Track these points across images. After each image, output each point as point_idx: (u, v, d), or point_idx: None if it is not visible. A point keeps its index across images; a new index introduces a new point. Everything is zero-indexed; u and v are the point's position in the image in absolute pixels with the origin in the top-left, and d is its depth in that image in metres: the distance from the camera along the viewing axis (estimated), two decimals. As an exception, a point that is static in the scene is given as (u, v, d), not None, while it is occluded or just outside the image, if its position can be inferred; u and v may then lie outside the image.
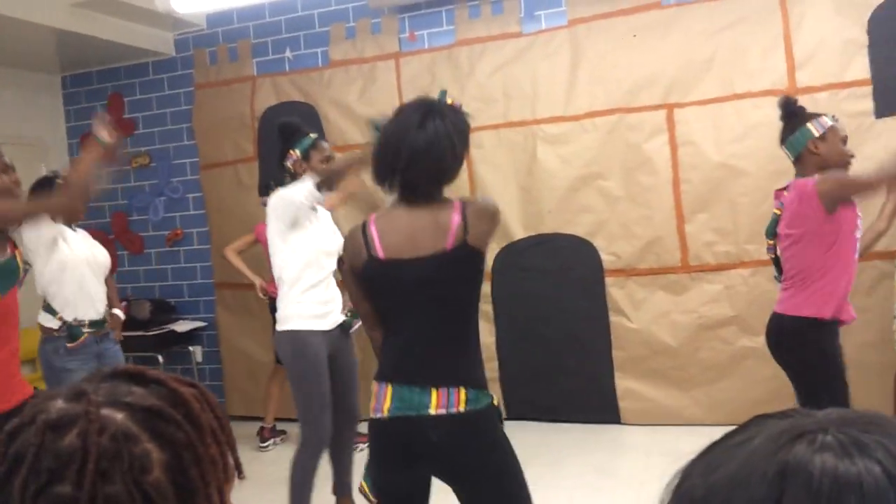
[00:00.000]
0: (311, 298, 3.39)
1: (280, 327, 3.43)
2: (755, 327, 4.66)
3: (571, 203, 5.03)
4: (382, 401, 2.08)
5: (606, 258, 4.99)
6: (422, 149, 2.06)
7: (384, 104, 5.40)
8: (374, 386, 2.12)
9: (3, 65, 5.92)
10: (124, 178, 6.31)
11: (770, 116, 4.59)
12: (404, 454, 2.09)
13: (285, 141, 3.49)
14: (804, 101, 4.54)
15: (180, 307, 6.17)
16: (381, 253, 2.09)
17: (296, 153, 3.45)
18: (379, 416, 2.08)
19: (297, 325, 3.38)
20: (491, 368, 5.21)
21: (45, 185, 3.86)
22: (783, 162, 4.56)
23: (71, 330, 3.63)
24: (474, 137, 5.26)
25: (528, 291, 5.13)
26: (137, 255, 6.30)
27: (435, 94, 5.43)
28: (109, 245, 6.34)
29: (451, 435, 2.03)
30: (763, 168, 4.64)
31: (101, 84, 6.34)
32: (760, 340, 4.60)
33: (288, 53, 5.72)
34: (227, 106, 5.85)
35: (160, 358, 5.76)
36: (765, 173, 4.64)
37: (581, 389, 5.03)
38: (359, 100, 5.48)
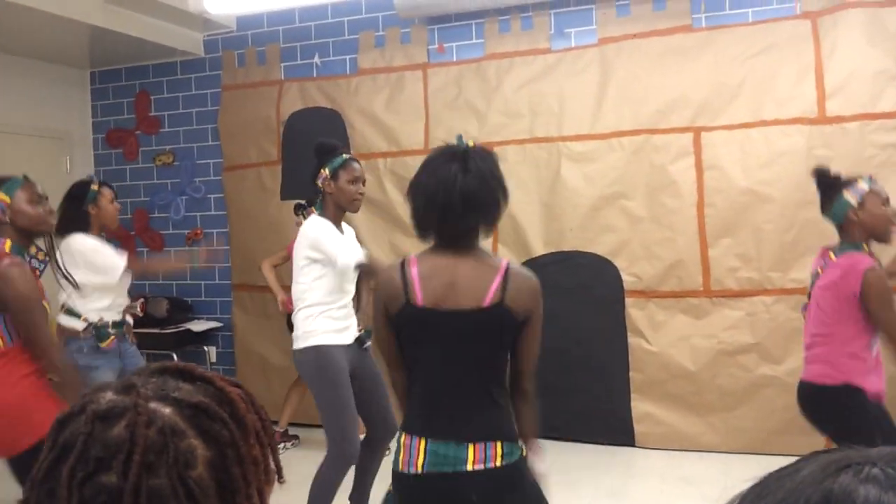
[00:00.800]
0: (330, 314, 3.40)
1: (300, 345, 3.42)
2: (776, 356, 4.64)
3: (594, 222, 5.01)
4: (416, 455, 2.04)
5: (627, 279, 4.97)
6: (474, 191, 2.05)
7: (410, 113, 5.43)
8: (405, 438, 2.09)
9: (35, 58, 5.97)
10: (147, 175, 6.34)
11: (798, 144, 4.60)
12: None
13: (319, 159, 3.48)
14: (833, 130, 4.56)
15: (197, 306, 6.18)
16: (420, 300, 2.06)
17: (325, 172, 3.44)
18: (412, 471, 2.05)
19: (318, 340, 3.37)
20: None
21: (79, 192, 3.98)
22: (810, 190, 4.52)
23: (98, 331, 3.79)
24: (499, 152, 5.27)
25: (547, 309, 5.06)
26: (157, 253, 6.32)
27: (460, 107, 5.47)
28: (130, 241, 6.39)
29: (489, 490, 2.02)
30: (789, 196, 4.61)
31: (129, 81, 6.38)
32: (780, 369, 4.61)
33: (316, 59, 5.74)
34: (252, 109, 5.88)
35: (174, 356, 5.77)
36: (791, 201, 4.62)
37: (596, 410, 5.00)
38: (385, 108, 5.48)
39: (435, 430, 2.04)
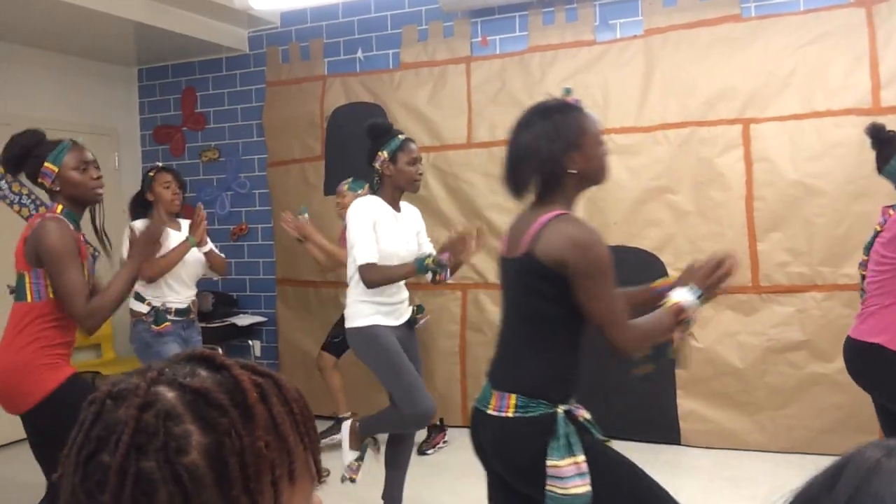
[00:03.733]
0: (379, 298, 3.39)
1: (349, 324, 3.44)
2: (827, 353, 4.52)
3: (639, 216, 4.93)
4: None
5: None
6: (521, 144, 2.10)
7: (453, 108, 5.40)
8: None
9: (84, 56, 6.07)
10: (193, 171, 6.41)
11: (851, 136, 4.47)
12: (474, 443, 2.18)
13: (374, 142, 3.44)
14: (888, 121, 4.39)
15: (242, 301, 6.24)
16: (500, 249, 2.25)
17: (383, 154, 3.39)
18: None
19: (366, 321, 3.38)
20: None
21: (142, 179, 4.22)
22: (862, 183, 4.44)
23: (157, 314, 4.00)
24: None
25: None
26: (202, 248, 6.39)
27: (504, 101, 5.42)
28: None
29: (496, 437, 2.06)
30: (841, 188, 4.49)
31: (175, 78, 6.46)
32: (832, 367, 4.49)
33: (359, 54, 5.74)
34: (296, 104, 5.90)
35: (220, 350, 5.83)
36: (842, 194, 4.50)
37: (641, 408, 4.93)
38: (428, 103, 5.47)
39: (489, 370, 2.19)
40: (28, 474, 4.93)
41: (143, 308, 4.04)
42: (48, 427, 2.76)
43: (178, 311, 4.10)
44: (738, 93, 4.73)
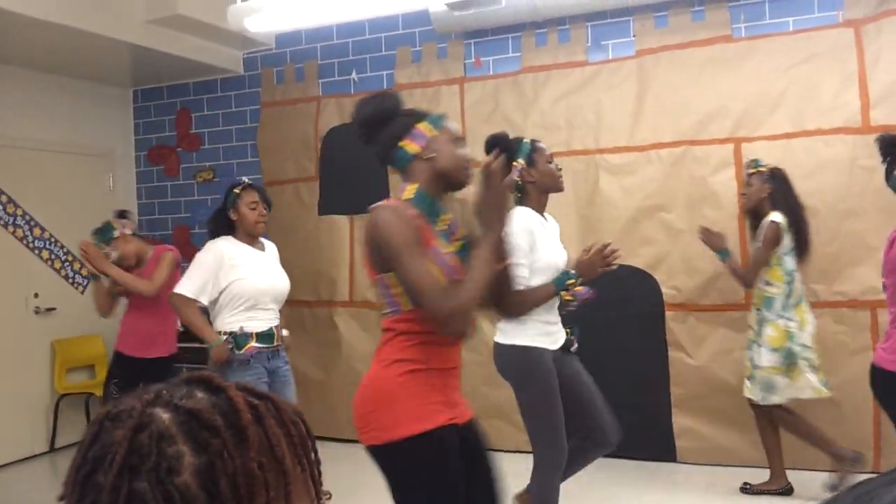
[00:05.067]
0: (544, 317, 3.17)
1: (505, 340, 3.19)
2: (820, 370, 4.52)
3: (632, 234, 4.96)
4: None
5: (667, 292, 4.91)
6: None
7: (447, 128, 5.42)
8: None
9: (79, 77, 6.10)
10: (188, 191, 6.42)
11: (842, 154, 4.52)
12: None
13: (506, 153, 3.29)
14: (879, 140, 4.45)
15: (236, 321, 6.23)
16: None
17: (520, 163, 3.21)
18: None
19: (530, 341, 3.14)
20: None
21: (225, 195, 3.85)
22: (853, 201, 4.48)
23: (236, 339, 3.59)
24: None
25: (585, 322, 5.05)
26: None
27: (497, 121, 5.46)
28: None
29: None
30: (832, 207, 4.53)
31: (170, 99, 6.49)
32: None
33: (354, 75, 5.78)
34: (291, 125, 5.93)
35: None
36: (833, 212, 4.54)
37: (637, 425, 4.91)
38: (422, 123, 5.49)
39: None
40: (33, 493, 4.85)
41: (220, 338, 3.62)
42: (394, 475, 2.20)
43: (260, 337, 3.65)
44: (729, 112, 4.77)
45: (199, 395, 0.75)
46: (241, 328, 3.60)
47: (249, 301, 3.64)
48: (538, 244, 3.14)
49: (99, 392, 5.58)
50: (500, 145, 3.18)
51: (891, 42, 4.46)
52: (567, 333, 3.31)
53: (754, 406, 4.26)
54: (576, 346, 3.38)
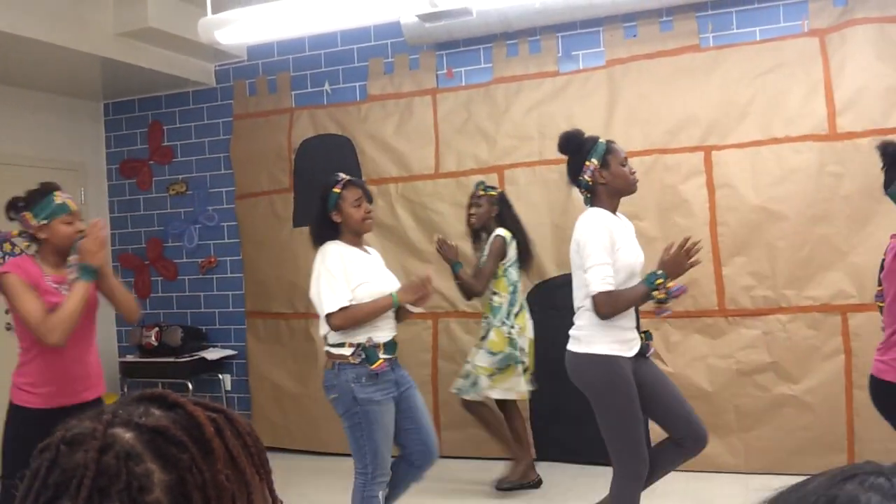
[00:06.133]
0: (619, 323, 3.08)
1: (580, 349, 3.13)
2: (793, 374, 4.60)
3: (606, 242, 4.99)
4: None
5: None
6: None
7: (420, 139, 5.45)
8: None
9: (48, 91, 6.05)
10: (161, 204, 6.39)
11: (810, 161, 4.59)
12: None
13: (575, 155, 3.20)
14: (845, 146, 4.55)
15: (211, 335, 6.20)
16: None
17: (593, 163, 3.14)
18: None
19: (606, 349, 3.07)
20: (521, 408, 5.16)
21: (323, 195, 3.46)
22: (822, 206, 4.55)
23: (367, 352, 3.28)
24: (509, 175, 5.28)
25: (560, 330, 5.07)
26: (171, 282, 6.35)
27: (470, 131, 5.50)
28: (144, 270, 6.42)
29: None
30: (801, 213, 4.60)
31: (142, 112, 6.45)
32: (798, 388, 4.57)
33: (326, 87, 5.78)
34: (264, 137, 5.92)
35: (189, 385, 5.78)
36: (803, 218, 4.60)
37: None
38: (395, 134, 5.51)
39: None
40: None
41: (346, 350, 3.29)
42: None
43: (387, 347, 3.36)
44: (699, 121, 4.83)
45: (156, 412, 0.75)
46: (370, 339, 3.29)
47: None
48: (617, 244, 3.06)
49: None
50: (569, 148, 3.21)
51: (855, 50, 4.54)
52: (642, 339, 3.23)
53: (465, 404, 4.68)
54: (653, 350, 3.31)
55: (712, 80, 4.81)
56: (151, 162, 6.44)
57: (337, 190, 3.40)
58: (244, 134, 6.02)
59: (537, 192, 5.14)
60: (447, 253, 4.56)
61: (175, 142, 6.35)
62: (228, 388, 6.16)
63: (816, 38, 4.64)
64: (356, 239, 3.46)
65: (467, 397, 4.61)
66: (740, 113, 4.75)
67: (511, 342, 4.50)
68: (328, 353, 3.37)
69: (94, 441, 0.70)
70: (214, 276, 6.22)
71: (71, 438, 0.72)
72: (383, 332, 3.36)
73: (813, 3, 4.67)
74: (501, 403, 4.69)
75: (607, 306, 2.99)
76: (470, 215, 4.66)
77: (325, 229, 3.43)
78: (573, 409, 5.05)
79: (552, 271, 5.11)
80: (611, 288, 2.99)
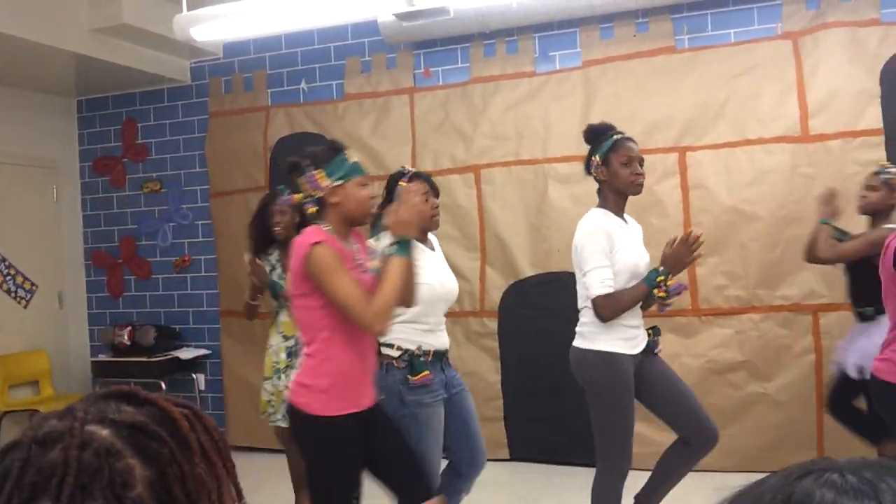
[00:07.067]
0: (623, 322, 3.06)
1: (583, 345, 3.12)
2: (765, 373, 4.65)
3: (581, 242, 5.02)
4: None
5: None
6: None
7: (397, 138, 5.45)
8: None
9: (22, 87, 5.98)
10: (134, 202, 6.33)
11: (783, 163, 4.64)
12: None
13: (592, 146, 3.15)
14: (816, 148, 4.61)
15: (185, 334, 6.15)
16: None
17: (596, 158, 3.09)
18: None
19: (608, 346, 3.05)
20: (496, 407, 5.17)
21: (389, 187, 3.29)
22: (793, 208, 4.60)
23: (412, 361, 3.06)
24: (486, 174, 5.30)
25: (535, 330, 5.10)
26: (144, 281, 6.30)
27: (447, 130, 5.50)
28: (117, 269, 6.37)
29: None
30: (774, 214, 4.65)
31: (116, 109, 6.39)
32: (770, 386, 4.62)
33: (303, 85, 5.77)
34: (240, 135, 5.89)
35: (163, 384, 5.74)
36: (775, 219, 4.65)
37: (587, 431, 4.95)
38: (372, 133, 5.51)
39: None
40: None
41: (393, 352, 3.09)
42: None
43: (437, 355, 3.15)
44: (674, 122, 4.87)
45: (129, 408, 0.75)
46: (420, 347, 3.08)
47: (425, 308, 3.07)
48: (616, 245, 3.02)
49: (44, 408, 5.46)
50: (588, 138, 3.17)
51: (827, 53, 4.61)
52: (649, 335, 3.19)
53: (283, 434, 3.93)
54: (660, 347, 3.27)
55: (687, 81, 4.86)
56: (125, 159, 6.38)
57: (403, 183, 3.18)
58: (219, 132, 5.99)
59: (513, 192, 5.15)
60: (260, 274, 3.95)
61: (149, 139, 6.30)
62: (202, 387, 6.12)
63: (790, 41, 4.70)
64: (422, 234, 3.20)
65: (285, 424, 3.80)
66: (715, 114, 4.80)
67: None
68: (378, 351, 3.09)
69: (72, 439, 0.69)
70: (188, 275, 6.18)
71: (43, 437, 0.71)
72: (434, 336, 3.12)
73: (787, 7, 4.73)
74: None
75: (607, 309, 2.98)
76: (277, 223, 3.98)
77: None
78: (548, 408, 5.08)
79: (527, 271, 5.13)
80: (610, 290, 2.97)
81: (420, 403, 3.05)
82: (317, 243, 2.44)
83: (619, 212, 3.16)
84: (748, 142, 4.74)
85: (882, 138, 4.53)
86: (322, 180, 2.56)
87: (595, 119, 4.95)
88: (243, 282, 5.79)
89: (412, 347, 3.07)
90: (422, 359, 3.06)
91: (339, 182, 2.56)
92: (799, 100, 4.66)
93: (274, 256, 4.09)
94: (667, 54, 4.92)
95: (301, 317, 2.60)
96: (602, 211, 3.13)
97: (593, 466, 4.87)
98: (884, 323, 3.47)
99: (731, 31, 4.85)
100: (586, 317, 3.13)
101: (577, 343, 3.18)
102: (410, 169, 3.33)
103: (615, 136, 3.12)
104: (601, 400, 3.10)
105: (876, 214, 3.84)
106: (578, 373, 3.19)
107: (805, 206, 4.59)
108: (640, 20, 5.00)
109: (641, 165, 3.12)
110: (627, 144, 3.10)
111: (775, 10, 4.77)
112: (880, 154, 4.51)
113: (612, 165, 3.07)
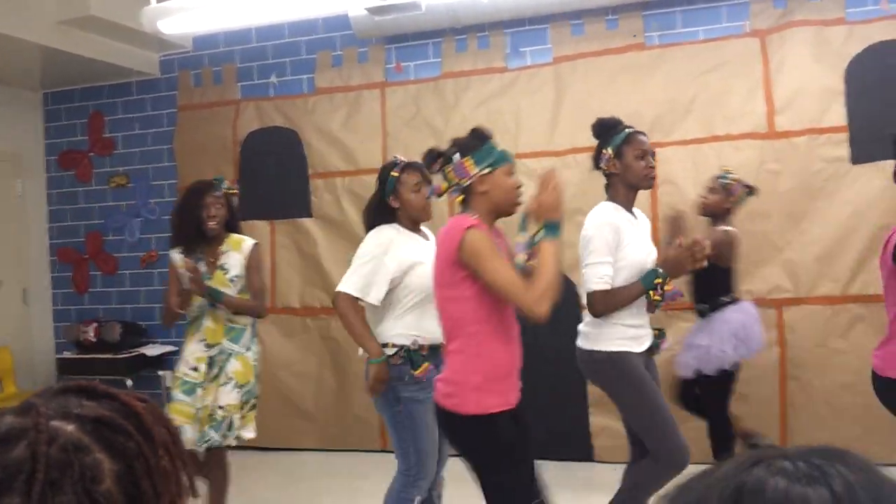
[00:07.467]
0: (629, 321, 3.04)
1: (589, 345, 3.10)
2: (731, 367, 4.68)
3: (551, 238, 5.04)
4: None
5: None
6: None
7: (368, 132, 5.43)
8: None
9: (-16, 79, 5.88)
10: (101, 197, 6.25)
11: (750, 159, 4.69)
12: None
13: (601, 139, 3.12)
14: (783, 145, 4.67)
15: (151, 330, 6.08)
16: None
17: (608, 151, 3.05)
18: None
19: (616, 346, 3.03)
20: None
21: (381, 178, 3.25)
22: (759, 203, 4.65)
23: (411, 356, 3.05)
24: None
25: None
26: (110, 276, 6.22)
27: (418, 125, 5.47)
28: (83, 265, 6.28)
29: None
30: (740, 209, 4.69)
31: (82, 102, 6.31)
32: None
33: (273, 79, 5.73)
34: (209, 129, 5.84)
35: (129, 381, 5.67)
36: (741, 214, 4.68)
37: (554, 426, 5.00)
38: (342, 127, 5.49)
39: None
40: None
41: (388, 350, 3.06)
42: None
43: (432, 350, 3.08)
44: (643, 118, 4.89)
45: (90, 403, 0.74)
46: (415, 341, 3.07)
47: (422, 298, 3.07)
48: (624, 241, 2.99)
49: (7, 404, 5.37)
50: (597, 132, 3.15)
51: (793, 52, 4.67)
52: (655, 336, 3.17)
53: (214, 454, 3.71)
54: (663, 348, 3.24)
55: (656, 78, 4.90)
56: (91, 153, 6.30)
57: (395, 174, 3.18)
58: (188, 125, 5.93)
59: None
60: (199, 283, 3.66)
61: (117, 133, 6.22)
62: (169, 384, 6.04)
63: (757, 38, 4.76)
64: (413, 225, 3.24)
65: (226, 444, 3.70)
66: (683, 111, 4.85)
67: (255, 371, 3.75)
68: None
69: (39, 434, 0.69)
70: (155, 271, 6.11)
71: (5, 434, 0.70)
72: (432, 330, 3.01)
73: (755, 5, 4.79)
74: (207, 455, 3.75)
75: (601, 304, 2.96)
76: (212, 217, 3.79)
77: (381, 215, 3.21)
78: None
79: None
80: (606, 287, 2.95)
81: (415, 400, 3.04)
82: (470, 227, 2.40)
83: (628, 206, 3.12)
84: (716, 138, 4.79)
85: (846, 135, 4.60)
86: (471, 168, 2.52)
87: (566, 115, 5.02)
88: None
89: (407, 343, 3.06)
90: (420, 353, 3.05)
91: (488, 170, 2.51)
92: (766, 97, 4.72)
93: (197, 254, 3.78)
94: (636, 51, 4.96)
95: (446, 309, 2.51)
96: (612, 205, 3.09)
97: (558, 460, 4.92)
98: (716, 320, 3.85)
99: (700, 28, 4.90)
100: (588, 315, 3.11)
101: (581, 343, 3.16)
102: (402, 159, 3.28)
103: (628, 130, 3.10)
104: (622, 399, 3.11)
105: (714, 217, 4.09)
106: (588, 375, 3.22)
107: (771, 202, 4.65)
108: (610, 17, 5.03)
109: (654, 158, 3.11)
110: (640, 138, 3.08)
111: (743, 8, 4.82)
112: (844, 151, 4.59)
113: (626, 158, 3.05)
